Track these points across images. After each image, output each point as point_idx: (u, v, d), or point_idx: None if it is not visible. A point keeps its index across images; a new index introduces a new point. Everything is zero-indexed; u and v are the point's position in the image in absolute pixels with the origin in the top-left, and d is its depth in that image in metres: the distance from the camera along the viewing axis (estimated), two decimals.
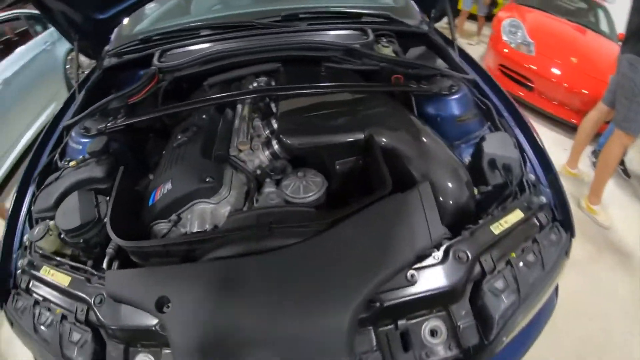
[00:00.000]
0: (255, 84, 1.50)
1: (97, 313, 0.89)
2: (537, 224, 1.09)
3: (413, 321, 0.92)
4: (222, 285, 0.81)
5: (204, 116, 1.41)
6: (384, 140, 1.16)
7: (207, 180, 1.07)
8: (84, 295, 0.92)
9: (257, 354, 0.74)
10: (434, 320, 0.92)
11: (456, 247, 0.94)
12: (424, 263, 0.91)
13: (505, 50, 3.66)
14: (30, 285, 1.01)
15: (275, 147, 1.21)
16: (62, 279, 0.96)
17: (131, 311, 0.86)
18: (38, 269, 1.01)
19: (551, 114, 3.40)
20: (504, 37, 3.71)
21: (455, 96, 1.42)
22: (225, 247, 0.91)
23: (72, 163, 1.24)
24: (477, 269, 0.95)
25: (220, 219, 1.06)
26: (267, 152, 1.22)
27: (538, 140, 1.35)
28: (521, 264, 1.00)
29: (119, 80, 1.72)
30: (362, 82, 1.53)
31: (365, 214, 0.92)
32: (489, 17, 4.58)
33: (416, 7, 2.11)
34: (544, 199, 1.15)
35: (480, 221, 1.04)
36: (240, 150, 1.20)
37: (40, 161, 1.37)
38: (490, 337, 0.91)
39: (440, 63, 1.70)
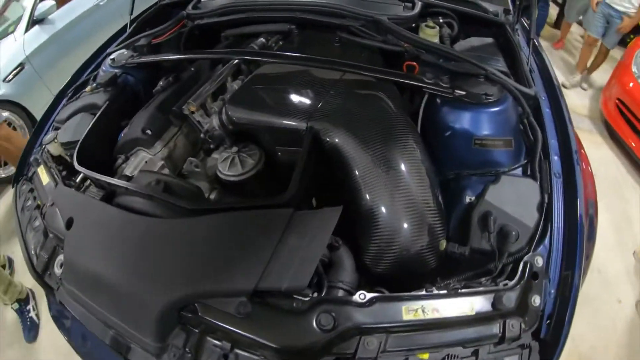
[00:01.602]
0: (253, 44, 1.32)
1: (43, 212, 1.09)
2: (496, 332, 0.73)
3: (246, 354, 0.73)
4: (105, 229, 0.91)
5: (192, 68, 1.36)
6: (332, 140, 0.92)
7: (146, 132, 1.12)
8: (48, 195, 1.12)
9: (100, 296, 0.83)
10: None
11: (329, 308, 0.70)
12: (280, 303, 0.73)
13: (630, 85, 2.86)
14: (33, 175, 1.23)
15: (222, 115, 1.09)
16: (44, 179, 1.17)
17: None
18: (38, 165, 1.22)
19: None
20: (634, 68, 2.89)
21: (485, 109, 1.02)
22: (125, 197, 0.97)
23: (87, 88, 1.37)
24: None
25: (153, 169, 1.10)
26: (217, 118, 1.12)
27: (580, 212, 0.91)
28: None
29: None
30: (377, 63, 1.22)
31: (232, 216, 0.83)
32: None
33: None
34: (537, 302, 0.78)
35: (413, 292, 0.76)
36: (191, 111, 1.12)
37: (79, 79, 1.55)
38: None
39: (500, 66, 1.26)
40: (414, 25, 1.37)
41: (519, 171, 1.03)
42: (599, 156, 2.87)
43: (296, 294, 0.72)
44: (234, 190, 1.07)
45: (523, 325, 0.75)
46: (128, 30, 1.64)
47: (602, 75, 3.51)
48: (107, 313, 0.79)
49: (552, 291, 0.84)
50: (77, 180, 1.10)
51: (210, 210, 0.86)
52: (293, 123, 0.97)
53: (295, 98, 1.04)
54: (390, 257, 0.85)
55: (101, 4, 3.45)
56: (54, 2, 3.03)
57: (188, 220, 0.85)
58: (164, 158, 1.13)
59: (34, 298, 2.09)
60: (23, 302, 2.07)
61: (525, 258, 0.82)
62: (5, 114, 2.71)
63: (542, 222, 0.89)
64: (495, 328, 0.74)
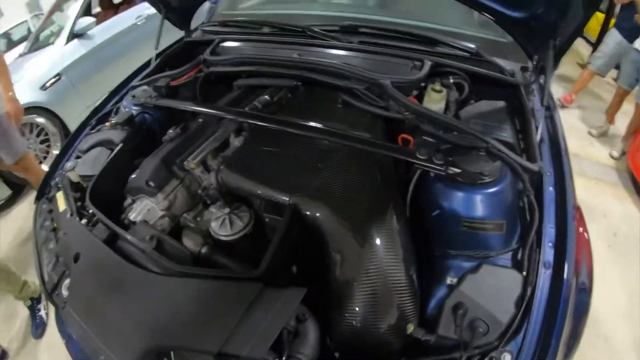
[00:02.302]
0: (256, 102, 1.37)
1: (58, 238, 1.21)
2: None
3: None
4: (104, 270, 1.01)
5: (200, 119, 1.39)
6: (311, 217, 0.96)
7: (149, 184, 1.17)
8: (62, 222, 1.22)
9: (95, 325, 0.94)
10: None
11: None
12: None
13: None
14: (53, 197, 1.34)
15: (218, 176, 1.15)
16: (61, 205, 1.26)
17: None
18: (58, 190, 1.32)
19: None
20: None
21: (478, 190, 1.00)
22: (125, 243, 1.05)
23: (107, 124, 1.47)
24: None
25: (153, 219, 1.17)
26: (214, 177, 1.17)
27: (560, 311, 0.89)
28: None
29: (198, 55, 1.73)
30: (378, 128, 1.25)
31: (207, 284, 0.89)
32: None
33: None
34: None
35: None
36: (192, 169, 1.19)
37: (104, 109, 1.65)
38: None
39: (505, 135, 1.23)
40: (422, 85, 1.37)
41: (507, 256, 1.01)
42: (622, 211, 2.74)
43: None
44: (224, 248, 1.11)
45: None
46: (152, 65, 1.73)
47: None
48: (99, 341, 0.90)
49: None
50: (89, 212, 1.19)
51: (189, 274, 0.93)
52: (277, 196, 1.01)
53: (283, 169, 1.08)
54: (358, 334, 0.89)
55: (139, 23, 3.64)
56: (93, 20, 3.23)
57: (171, 280, 0.93)
58: (164, 209, 1.19)
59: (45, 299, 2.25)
60: (35, 301, 2.24)
61: (492, 354, 0.83)
62: (41, 120, 2.91)
63: (519, 316, 0.88)
64: None
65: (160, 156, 1.23)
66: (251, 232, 1.10)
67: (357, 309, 0.90)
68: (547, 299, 0.91)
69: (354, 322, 0.90)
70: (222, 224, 1.10)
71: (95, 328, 0.92)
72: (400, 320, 0.89)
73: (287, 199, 0.98)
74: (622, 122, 3.35)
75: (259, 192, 1.04)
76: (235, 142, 1.27)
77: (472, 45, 1.52)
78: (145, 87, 1.52)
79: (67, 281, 1.11)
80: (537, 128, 1.26)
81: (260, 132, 1.24)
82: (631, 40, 3.12)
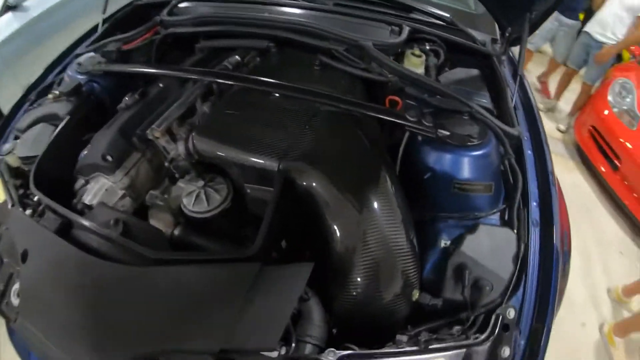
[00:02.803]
0: (226, 62, 1.23)
1: (0, 236, 0.98)
2: None
3: None
4: (61, 267, 0.85)
5: (160, 84, 1.23)
6: (305, 184, 0.87)
7: (107, 158, 1.02)
8: (3, 216, 1.00)
9: (57, 339, 0.78)
10: None
11: None
12: None
13: (605, 113, 2.95)
14: None
15: (189, 144, 1.01)
16: (0, 195, 1.05)
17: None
18: None
19: (626, 207, 2.71)
20: (609, 97, 2.99)
21: (466, 153, 1.00)
22: (82, 231, 0.89)
23: (50, 96, 1.24)
24: None
25: (112, 200, 1.02)
26: (183, 145, 1.02)
27: (555, 264, 0.92)
28: None
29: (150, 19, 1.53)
30: (358, 91, 1.18)
31: (195, 270, 0.77)
32: None
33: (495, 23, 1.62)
34: (506, 353, 0.79)
35: (399, 341, 0.77)
36: (156, 137, 1.01)
37: (44, 82, 1.41)
38: None
39: (484, 101, 1.24)
40: (399, 50, 1.34)
41: (496, 216, 1.02)
42: (571, 181, 2.96)
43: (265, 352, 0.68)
44: (200, 226, 0.99)
45: None
46: (99, 31, 1.52)
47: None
48: (67, 357, 0.74)
49: (522, 343, 0.83)
50: (35, 200, 1.00)
51: (173, 261, 0.80)
52: (264, 162, 0.90)
53: (267, 133, 0.96)
54: (361, 306, 0.84)
55: None
56: None
57: (149, 270, 0.79)
58: (125, 187, 1.04)
59: None
60: None
61: (498, 310, 0.82)
62: None
63: (516, 273, 0.89)
64: None
65: (117, 126, 1.07)
66: (230, 206, 0.99)
67: (359, 280, 0.83)
68: (539, 255, 0.94)
69: (357, 295, 0.84)
70: (197, 200, 0.97)
71: (60, 341, 0.77)
72: (405, 287, 0.84)
73: (276, 164, 0.88)
74: (569, 99, 3.60)
75: (241, 158, 0.92)
76: (204, 107, 1.12)
77: (447, 15, 1.53)
78: (92, 54, 1.33)
79: (15, 286, 0.92)
80: (512, 96, 1.29)
81: (231, 97, 1.11)
82: (566, 14, 3.27)
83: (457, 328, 0.82)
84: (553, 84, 3.79)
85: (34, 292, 0.85)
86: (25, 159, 1.07)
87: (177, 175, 1.06)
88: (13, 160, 1.10)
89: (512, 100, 1.26)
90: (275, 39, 1.29)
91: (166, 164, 1.05)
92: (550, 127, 3.51)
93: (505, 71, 1.48)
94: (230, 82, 1.08)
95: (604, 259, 2.44)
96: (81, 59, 1.31)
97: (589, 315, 2.16)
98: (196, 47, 1.39)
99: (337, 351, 0.72)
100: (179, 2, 1.52)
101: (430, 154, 1.01)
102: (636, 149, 2.67)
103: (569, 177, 2.99)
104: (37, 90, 1.36)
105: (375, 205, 0.87)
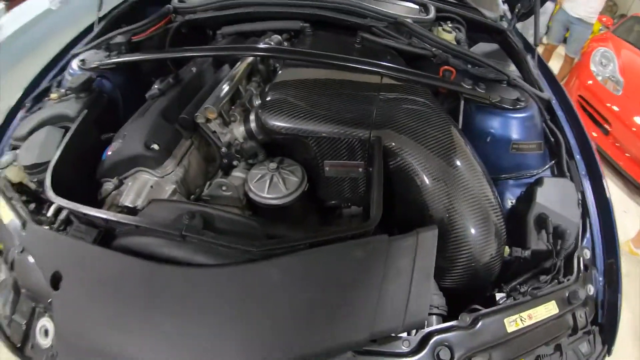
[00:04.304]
0: (267, 42, 1.19)
1: (13, 263, 0.82)
2: (570, 324, 0.80)
3: None
4: (116, 284, 0.68)
5: (193, 68, 1.16)
6: (397, 150, 0.86)
7: (152, 147, 0.90)
8: (13, 238, 0.85)
9: None
10: None
11: (441, 339, 0.67)
12: (385, 348, 0.63)
13: (590, 82, 3.13)
14: None
15: (253, 124, 0.95)
16: (4, 215, 0.89)
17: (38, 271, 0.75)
18: None
19: (620, 167, 2.88)
20: (592, 67, 3.17)
21: (519, 114, 1.07)
22: (134, 238, 0.73)
23: (52, 96, 1.12)
24: None
25: (161, 196, 0.90)
26: (242, 128, 0.97)
27: (610, 205, 1.00)
28: None
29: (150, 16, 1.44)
30: (401, 66, 1.19)
31: (323, 253, 0.68)
32: None
33: (500, 1, 1.71)
34: (591, 290, 0.85)
35: (500, 300, 0.78)
36: (208, 119, 0.93)
37: (38, 87, 1.25)
38: None
39: (512, 70, 1.32)
40: (430, 29, 1.39)
41: (547, 173, 1.09)
42: None
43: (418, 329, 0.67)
44: (273, 217, 0.92)
45: (587, 314, 0.82)
46: (96, 29, 1.38)
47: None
48: None
49: (601, 279, 0.91)
50: (49, 214, 0.87)
51: (281, 249, 0.68)
52: (353, 132, 0.87)
53: (343, 103, 0.92)
54: (461, 269, 0.84)
55: (54, 8, 3.15)
56: (3, 5, 2.72)
57: (254, 266, 0.66)
58: (177, 181, 0.92)
59: None
60: None
61: (577, 253, 0.89)
62: None
63: (583, 219, 0.96)
64: (568, 320, 0.80)
65: (156, 111, 0.96)
66: (308, 189, 0.94)
67: (460, 244, 0.82)
68: (595, 201, 1.02)
69: (457, 260, 0.82)
70: (272, 185, 0.90)
71: None
72: (500, 243, 0.85)
73: (368, 132, 0.86)
74: None
75: (324, 130, 0.87)
76: (251, 88, 1.06)
77: None
78: (94, 50, 1.22)
79: (42, 323, 0.76)
80: (534, 65, 1.37)
81: (283, 74, 1.04)
82: None
83: (543, 277, 0.84)
84: None
85: (76, 327, 0.66)
86: (32, 168, 0.93)
87: (234, 163, 1.00)
88: (14, 175, 0.97)
89: (535, 67, 1.35)
90: (309, 19, 1.24)
91: (223, 149, 0.96)
92: None
93: (517, 42, 1.56)
94: (291, 56, 1.03)
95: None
96: (83, 56, 1.21)
97: None
98: (218, 34, 1.32)
99: (469, 314, 0.72)
100: None
101: (487, 119, 1.07)
102: (624, 112, 2.85)
103: None
104: (32, 96, 1.20)
105: (461, 164, 0.86)
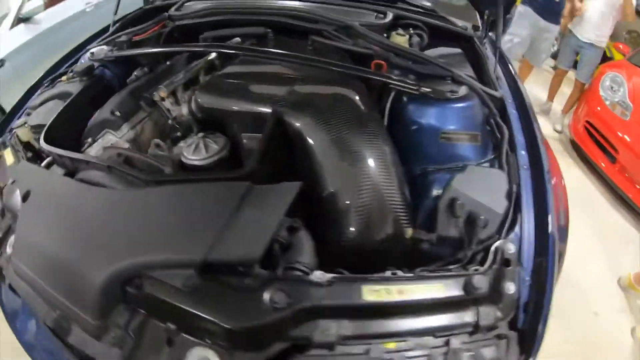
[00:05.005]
0: (228, 42, 1.35)
1: (2, 191, 1.01)
2: (471, 321, 0.70)
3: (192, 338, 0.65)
4: (61, 201, 0.87)
5: (167, 62, 1.36)
6: (296, 124, 0.94)
7: (115, 113, 1.12)
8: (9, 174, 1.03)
9: (48, 272, 0.77)
10: (205, 350, 0.64)
11: (280, 286, 0.66)
12: (233, 280, 0.68)
13: (598, 108, 3.01)
14: None
15: (192, 103, 1.12)
16: (9, 160, 1.10)
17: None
18: (5, 148, 1.15)
19: (630, 199, 2.68)
20: (601, 92, 3.05)
21: (450, 104, 1.05)
22: (87, 172, 0.94)
23: (63, 78, 1.36)
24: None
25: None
26: (186, 107, 1.15)
27: (548, 202, 0.92)
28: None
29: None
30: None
31: (192, 188, 0.82)
32: None
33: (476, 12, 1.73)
34: (511, 289, 0.74)
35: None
36: (162, 98, 1.14)
37: (56, 72, 1.52)
38: None
39: (468, 71, 1.31)
40: (385, 35, 1.43)
41: (485, 165, 1.05)
42: (570, 176, 2.96)
43: (248, 266, 0.68)
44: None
45: (498, 314, 0.72)
46: (111, 29, 1.64)
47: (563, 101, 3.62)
48: (52, 290, 0.73)
49: (527, 278, 0.80)
50: (43, 165, 1.04)
51: (166, 181, 0.85)
52: (259, 108, 0.98)
53: (263, 87, 1.07)
54: (352, 245, 0.85)
55: (88, 10, 3.47)
56: (42, 2, 3.04)
57: (143, 191, 0.83)
58: (130, 140, 1.12)
59: None
60: None
61: (496, 244, 0.80)
62: None
63: (511, 210, 0.88)
64: (468, 316, 0.71)
65: (127, 90, 1.18)
66: (227, 156, 1.04)
67: (353, 222, 0.85)
68: (533, 196, 0.94)
69: (351, 236, 0.85)
70: (196, 149, 1.02)
71: (48, 275, 0.75)
72: (397, 226, 0.86)
73: (270, 109, 0.96)
74: (562, 102, 3.66)
75: (238, 108, 1.01)
76: (206, 78, 1.22)
77: (429, 4, 1.64)
78: (104, 46, 1.43)
79: (12, 238, 0.90)
80: (493, 66, 1.36)
81: (232, 69, 1.20)
82: (547, 17, 3.19)
83: (455, 266, 0.80)
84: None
85: (28, 231, 0.84)
86: (37, 127, 1.14)
87: (179, 134, 1.15)
88: (23, 134, 1.17)
89: (494, 70, 1.33)
90: (271, 25, 1.39)
91: (169, 121, 1.14)
92: (545, 126, 3.56)
93: (488, 52, 1.56)
94: (233, 52, 1.18)
95: (610, 250, 2.39)
96: (93, 49, 1.42)
97: (601, 304, 2.10)
98: (200, 38, 1.47)
99: (327, 274, 0.70)
100: (187, 1, 1.66)
101: (416, 109, 1.07)
102: (632, 138, 2.69)
103: (568, 173, 2.99)
104: (50, 78, 1.45)
105: (363, 147, 0.92)
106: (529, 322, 0.74)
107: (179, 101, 1.20)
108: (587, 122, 3.07)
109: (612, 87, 3.05)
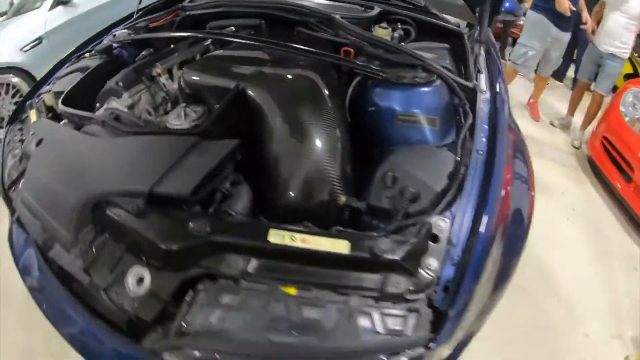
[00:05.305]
0: (223, 31, 1.53)
1: (23, 140, 1.20)
2: (377, 286, 0.71)
3: (130, 256, 0.78)
4: (63, 146, 1.06)
5: (172, 45, 1.52)
6: (255, 98, 1.06)
7: (118, 84, 1.28)
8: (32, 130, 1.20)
9: (43, 199, 0.94)
10: (141, 269, 0.75)
11: (202, 219, 0.76)
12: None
13: (617, 124, 2.86)
14: (25, 118, 1.37)
15: (180, 78, 1.26)
16: (33, 116, 1.29)
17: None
18: (31, 109, 1.34)
19: None
20: (621, 107, 2.90)
21: (410, 89, 1.07)
22: (89, 126, 1.12)
23: (87, 55, 1.57)
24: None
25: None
26: (177, 82, 1.29)
27: (494, 187, 0.90)
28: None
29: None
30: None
31: (157, 138, 1.00)
32: None
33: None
34: (433, 265, 0.74)
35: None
36: (158, 74, 1.31)
37: (82, 50, 1.72)
38: None
39: (447, 63, 1.32)
40: (372, 28, 1.47)
41: (442, 148, 1.06)
42: (581, 191, 2.84)
43: (187, 203, 0.80)
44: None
45: (410, 286, 0.71)
46: (135, 16, 1.84)
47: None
48: (44, 212, 0.89)
49: (456, 258, 0.78)
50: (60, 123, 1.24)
51: (138, 133, 1.01)
52: (227, 83, 1.10)
53: (238, 67, 1.19)
54: (290, 206, 0.94)
55: None
56: None
57: (119, 139, 0.99)
58: (128, 106, 1.28)
59: None
60: None
61: (424, 218, 0.80)
62: (16, 79, 2.95)
63: (454, 190, 0.87)
64: (374, 280, 0.71)
65: (132, 67, 1.36)
66: (205, 125, 1.11)
67: (292, 186, 0.95)
68: (481, 181, 0.91)
69: (288, 197, 0.94)
70: (178, 116, 1.15)
71: (43, 201, 0.93)
72: (332, 195, 0.92)
73: (234, 84, 1.07)
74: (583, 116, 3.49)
75: (214, 83, 1.14)
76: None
77: (422, 2, 1.66)
78: (125, 30, 1.63)
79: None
80: (476, 63, 1.35)
81: (219, 53, 1.36)
82: (560, 25, 3.09)
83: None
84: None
85: (34, 168, 1.01)
86: (59, 94, 1.31)
87: (169, 106, 1.30)
88: (48, 99, 1.35)
89: (474, 63, 1.32)
90: (265, 17, 1.53)
91: (162, 93, 1.30)
92: (563, 141, 3.43)
93: (481, 50, 1.54)
94: (221, 37, 1.36)
95: (613, 275, 2.23)
96: (116, 32, 1.63)
97: (594, 327, 1.97)
98: (207, 27, 1.66)
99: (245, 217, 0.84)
100: None
101: (377, 92, 1.12)
102: None
103: (579, 188, 2.86)
104: (76, 55, 1.64)
105: (312, 130, 1.01)
106: (447, 302, 0.72)
107: (173, 78, 1.36)
108: (605, 137, 2.94)
109: (634, 104, 2.91)
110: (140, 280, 0.73)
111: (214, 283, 0.70)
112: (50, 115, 1.28)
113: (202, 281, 0.71)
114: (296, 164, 0.96)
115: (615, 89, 3.39)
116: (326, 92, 1.10)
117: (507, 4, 2.13)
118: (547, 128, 3.60)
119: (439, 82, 1.13)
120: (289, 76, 1.14)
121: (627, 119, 2.82)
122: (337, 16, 1.37)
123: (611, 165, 2.83)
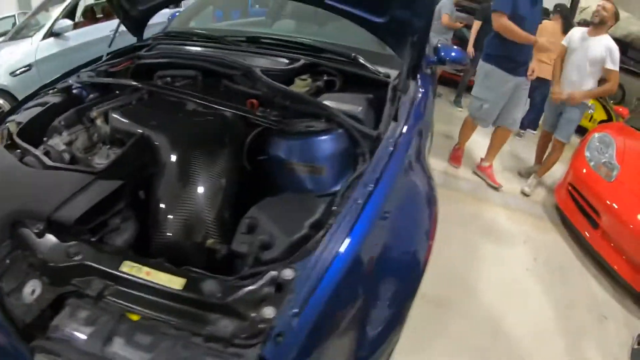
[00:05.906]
0: (158, 82, 1.68)
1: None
2: (204, 327, 0.75)
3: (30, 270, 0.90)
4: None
5: (117, 91, 1.66)
6: (155, 145, 1.17)
7: (60, 122, 1.42)
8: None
9: None
10: (35, 282, 0.87)
11: (77, 245, 0.90)
12: None
13: (584, 170, 2.85)
14: None
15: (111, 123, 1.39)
16: None
17: None
18: None
19: (612, 269, 2.43)
20: (586, 152, 2.90)
21: (301, 139, 1.12)
22: (29, 157, 1.23)
23: (50, 91, 1.68)
24: None
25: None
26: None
27: (355, 245, 0.87)
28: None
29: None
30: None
31: (66, 174, 1.11)
32: None
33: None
34: (268, 314, 0.73)
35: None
36: (95, 117, 1.45)
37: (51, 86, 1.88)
38: None
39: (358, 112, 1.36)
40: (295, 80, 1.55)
41: (327, 196, 1.08)
42: (544, 239, 2.77)
43: (69, 226, 0.93)
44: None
45: (239, 332, 0.71)
46: (103, 59, 1.98)
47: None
48: None
49: (296, 309, 0.73)
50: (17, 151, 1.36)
51: (54, 167, 1.14)
52: (134, 130, 1.22)
53: (152, 115, 1.32)
54: (165, 244, 1.01)
55: (112, 36, 4.00)
56: (71, 23, 3.61)
57: (40, 171, 1.13)
58: (65, 143, 1.39)
59: None
60: None
61: (274, 268, 0.79)
62: (1, 101, 3.17)
63: (313, 241, 0.86)
64: (206, 319, 0.75)
65: (76, 108, 1.50)
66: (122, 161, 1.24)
67: (169, 227, 1.03)
68: (350, 229, 0.87)
69: (164, 235, 1.02)
70: (101, 156, 1.28)
71: None
72: (203, 237, 1.00)
73: (141, 131, 1.20)
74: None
75: (128, 128, 1.26)
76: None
77: (352, 54, 1.74)
78: (89, 72, 1.78)
79: None
80: (396, 113, 1.38)
81: (147, 101, 1.51)
82: (520, 72, 2.93)
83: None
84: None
85: None
86: (19, 124, 1.45)
87: (101, 146, 1.42)
88: (12, 127, 1.47)
89: (388, 112, 1.36)
90: (199, 69, 1.66)
91: (95, 135, 1.43)
92: (516, 190, 3.32)
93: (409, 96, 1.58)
94: (150, 88, 1.50)
95: (586, 326, 2.13)
96: (81, 74, 1.77)
97: None
98: (155, 76, 1.80)
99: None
100: (156, 45, 2.00)
101: (270, 140, 1.18)
102: (615, 201, 2.49)
103: (543, 237, 2.79)
104: (44, 91, 1.76)
105: (197, 178, 1.10)
106: (277, 353, 0.69)
107: (107, 121, 1.48)
108: (570, 185, 2.91)
109: (600, 148, 2.91)
110: (34, 291, 0.85)
111: (78, 300, 0.82)
112: (9, 142, 1.41)
113: (71, 296, 0.83)
114: (176, 206, 1.04)
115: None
116: (224, 140, 1.17)
117: (453, 54, 2.19)
118: (514, 177, 3.55)
119: (340, 130, 1.16)
120: (191, 125, 1.23)
121: (592, 163, 2.81)
122: (257, 69, 1.46)
123: (578, 212, 2.78)
